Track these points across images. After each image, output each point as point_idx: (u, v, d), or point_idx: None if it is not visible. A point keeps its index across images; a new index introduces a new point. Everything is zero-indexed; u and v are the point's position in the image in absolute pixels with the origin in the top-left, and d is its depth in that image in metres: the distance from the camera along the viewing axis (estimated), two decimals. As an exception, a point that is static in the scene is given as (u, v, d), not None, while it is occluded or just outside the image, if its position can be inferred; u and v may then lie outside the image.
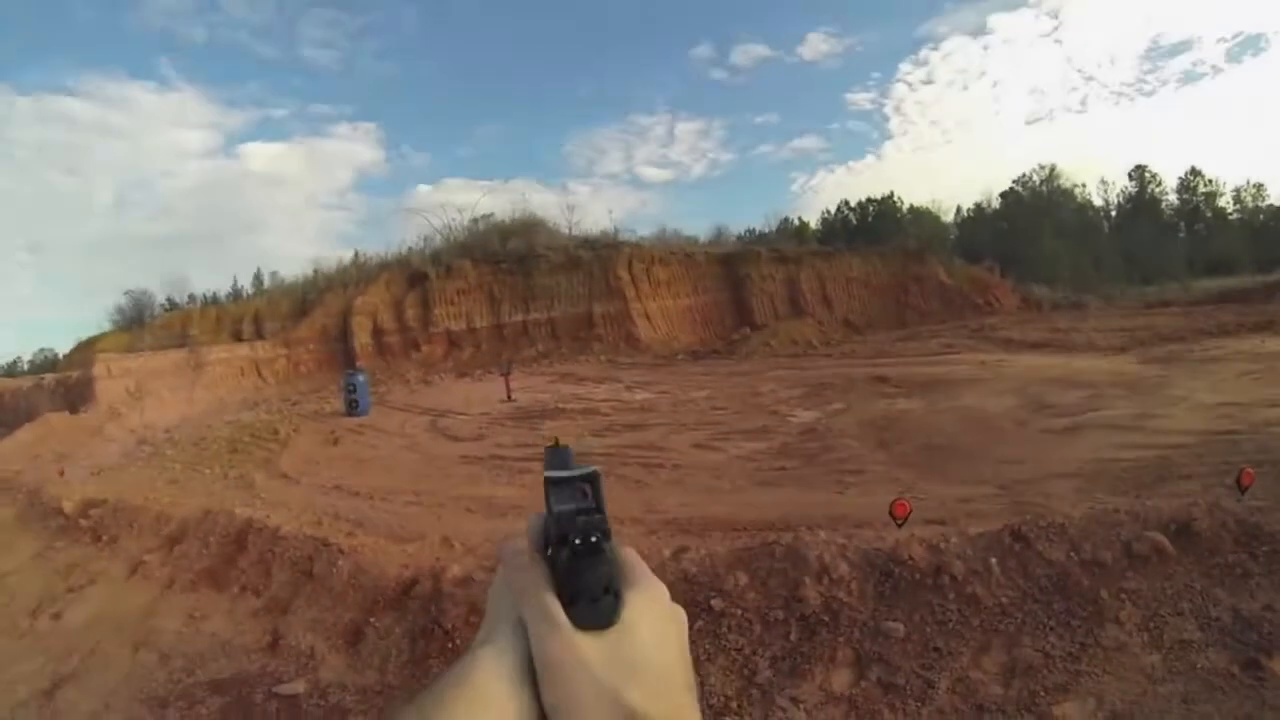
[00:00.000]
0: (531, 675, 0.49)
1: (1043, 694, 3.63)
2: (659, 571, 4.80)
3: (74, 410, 20.68)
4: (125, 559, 7.11)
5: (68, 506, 8.44)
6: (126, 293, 37.64)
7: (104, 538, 7.64)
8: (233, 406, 22.51)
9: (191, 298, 38.27)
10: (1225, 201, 50.59)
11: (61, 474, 11.70)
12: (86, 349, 30.12)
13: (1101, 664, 3.75)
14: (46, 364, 40.02)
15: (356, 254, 37.16)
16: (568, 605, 0.51)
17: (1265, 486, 5.81)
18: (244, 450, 14.31)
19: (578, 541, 0.52)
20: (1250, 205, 50.71)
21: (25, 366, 45.61)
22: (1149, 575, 4.20)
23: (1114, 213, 51.13)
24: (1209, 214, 49.54)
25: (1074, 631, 3.94)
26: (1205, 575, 4.18)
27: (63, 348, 37.54)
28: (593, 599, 0.51)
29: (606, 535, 0.53)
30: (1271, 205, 50.10)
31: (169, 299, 37.96)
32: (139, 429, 18.93)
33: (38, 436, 17.46)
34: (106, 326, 35.78)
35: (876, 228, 46.49)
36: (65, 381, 24.44)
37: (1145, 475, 7.56)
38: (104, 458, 14.94)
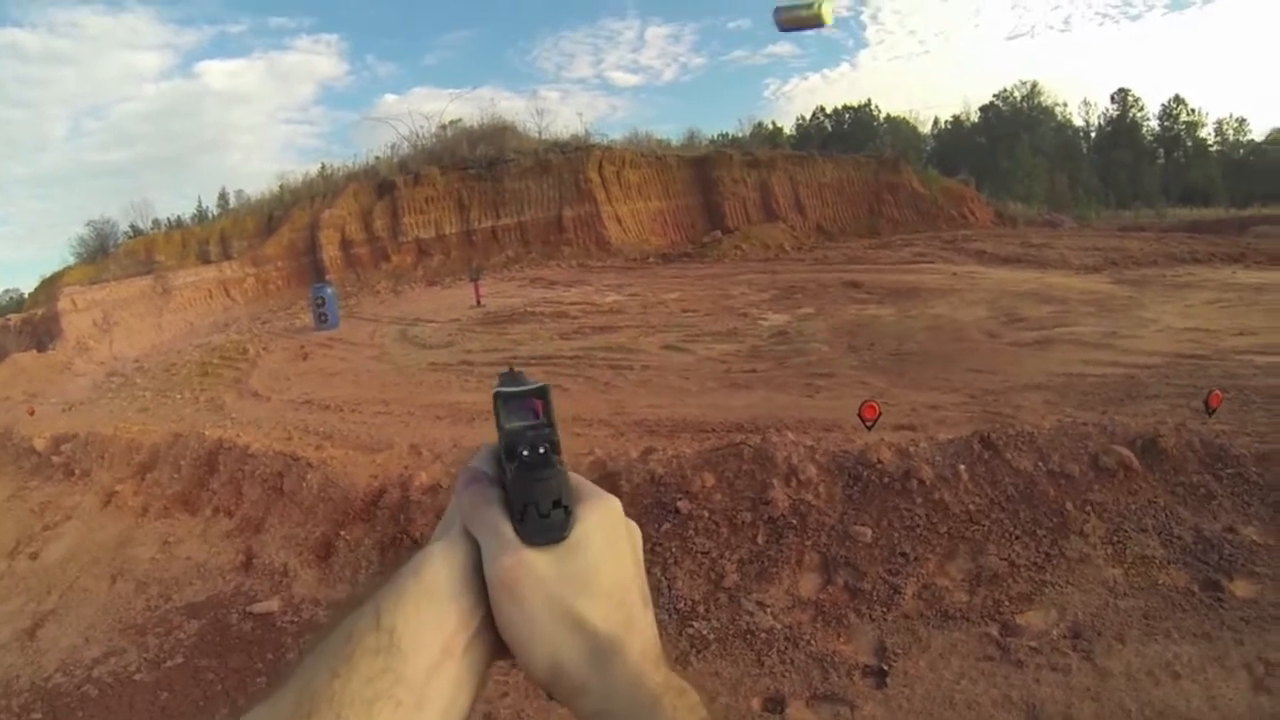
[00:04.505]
0: (478, 580, 0.48)
1: (1007, 603, 3.69)
2: (626, 472, 4.85)
3: (41, 348, 20.04)
4: (98, 491, 7.06)
5: (39, 444, 8.29)
6: (88, 224, 35.27)
7: (76, 472, 7.55)
8: (203, 330, 21.90)
9: (156, 223, 36.16)
10: (1206, 133, 49.35)
11: (32, 413, 11.40)
12: (51, 285, 28.54)
13: (1065, 575, 3.81)
14: (13, 305, 37.74)
15: (323, 166, 35.17)
16: (518, 521, 0.48)
17: (1231, 411, 5.89)
18: (214, 373, 14.05)
19: (525, 453, 0.50)
20: (1231, 139, 49.87)
21: (-10, 311, 43.99)
22: (1114, 490, 4.23)
23: (1094, 134, 50.23)
24: (1189, 144, 48.25)
25: (1039, 542, 3.99)
26: (1170, 493, 4.22)
27: (28, 287, 35.56)
28: (542, 513, 0.48)
29: (556, 448, 0.51)
30: (1252, 140, 49.28)
31: (132, 226, 35.70)
32: (108, 361, 18.42)
33: (6, 378, 16.96)
34: (70, 260, 33.84)
35: (852, 135, 45.18)
36: (31, 320, 23.57)
37: (1113, 392, 7.57)
38: (74, 393, 14.56)
